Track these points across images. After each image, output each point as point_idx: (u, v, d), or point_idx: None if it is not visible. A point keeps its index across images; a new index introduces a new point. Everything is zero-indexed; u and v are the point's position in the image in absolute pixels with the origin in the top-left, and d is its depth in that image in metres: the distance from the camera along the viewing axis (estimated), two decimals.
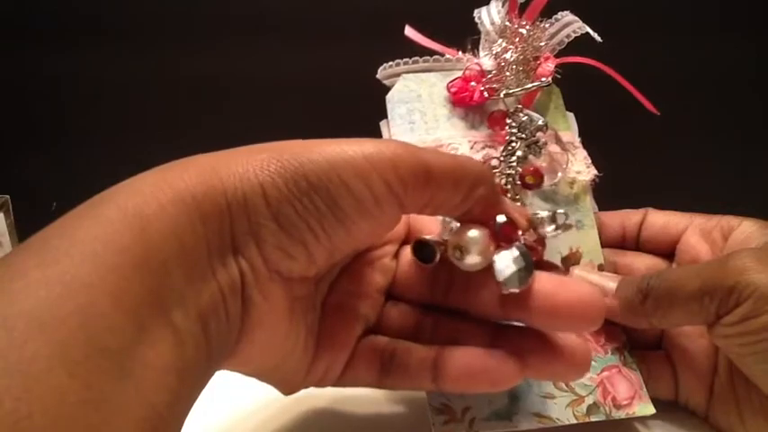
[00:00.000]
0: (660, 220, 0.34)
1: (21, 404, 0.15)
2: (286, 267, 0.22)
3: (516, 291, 0.24)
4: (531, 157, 0.31)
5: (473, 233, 0.25)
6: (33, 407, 0.15)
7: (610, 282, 0.30)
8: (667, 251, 0.34)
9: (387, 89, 0.35)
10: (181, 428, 0.20)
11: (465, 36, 0.35)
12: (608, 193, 0.35)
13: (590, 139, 0.35)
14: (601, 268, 0.33)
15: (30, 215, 0.47)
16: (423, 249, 0.27)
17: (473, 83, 0.33)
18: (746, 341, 0.26)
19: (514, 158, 0.30)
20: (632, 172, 0.48)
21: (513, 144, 0.31)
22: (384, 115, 0.35)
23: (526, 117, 0.32)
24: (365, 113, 0.34)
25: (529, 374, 0.26)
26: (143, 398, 0.17)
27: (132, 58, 0.56)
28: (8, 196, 0.45)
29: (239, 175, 0.21)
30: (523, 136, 0.31)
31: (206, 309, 0.20)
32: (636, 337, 0.32)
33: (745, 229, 0.31)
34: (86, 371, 0.16)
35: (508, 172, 0.30)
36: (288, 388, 0.27)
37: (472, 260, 0.25)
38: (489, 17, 0.35)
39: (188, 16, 0.56)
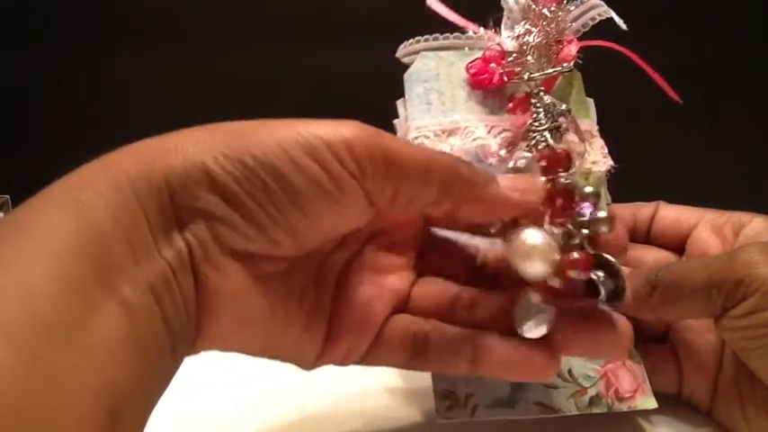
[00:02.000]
0: (671, 215, 0.34)
1: None
2: (240, 246, 0.22)
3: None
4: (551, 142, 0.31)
5: (533, 238, 0.24)
6: None
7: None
8: (678, 245, 0.34)
9: (387, 89, 0.35)
10: (150, 409, 0.20)
11: (486, 15, 0.35)
12: (621, 185, 0.35)
13: (606, 129, 0.35)
14: None
15: None
16: None
17: (493, 64, 0.33)
18: (752, 335, 0.26)
19: (543, 137, 0.29)
20: (646, 165, 0.48)
21: (537, 125, 0.30)
22: (385, 115, 0.35)
23: (550, 101, 0.31)
24: (366, 113, 0.34)
25: (571, 353, 0.26)
26: (98, 369, 0.17)
27: (132, 58, 0.56)
28: (8, 196, 0.45)
29: (180, 153, 0.21)
30: (544, 121, 0.30)
31: (156, 282, 0.20)
32: (642, 329, 0.32)
33: (756, 225, 0.31)
34: (32, 344, 0.16)
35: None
36: (304, 365, 0.26)
37: (534, 269, 0.24)
38: None
39: (188, 16, 0.56)
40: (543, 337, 0.25)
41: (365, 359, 0.26)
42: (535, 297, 0.24)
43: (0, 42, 0.55)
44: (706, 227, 0.33)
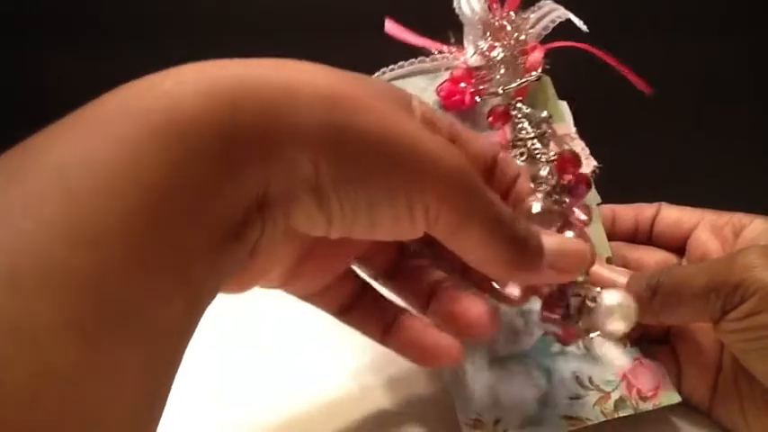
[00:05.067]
0: (673, 216, 0.34)
1: (30, 381, 0.14)
2: (304, 229, 0.21)
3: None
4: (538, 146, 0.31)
5: (612, 299, 0.25)
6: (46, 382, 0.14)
7: (621, 277, 0.30)
8: (678, 246, 0.34)
9: None
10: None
11: (446, 32, 0.35)
12: (610, 184, 0.34)
13: (588, 129, 0.35)
14: (609, 261, 0.33)
15: None
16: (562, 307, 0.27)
17: (462, 84, 0.33)
18: (751, 337, 0.26)
19: (536, 142, 0.30)
20: (637, 161, 0.48)
21: (524, 134, 0.30)
22: None
23: (530, 110, 0.31)
24: None
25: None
26: (153, 363, 0.17)
27: (132, 58, 0.56)
28: None
29: (299, 138, 0.18)
30: (530, 129, 0.31)
31: (227, 265, 0.19)
32: (642, 331, 0.32)
33: (756, 227, 0.31)
34: (98, 337, 0.15)
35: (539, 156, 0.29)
36: (261, 286, 0.25)
37: (614, 327, 0.25)
38: (469, 5, 0.34)
39: (188, 16, 0.56)
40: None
41: (308, 297, 0.27)
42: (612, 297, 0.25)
43: (0, 42, 0.55)
44: (706, 228, 0.33)
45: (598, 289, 0.26)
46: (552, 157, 0.29)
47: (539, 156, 0.29)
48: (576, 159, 0.29)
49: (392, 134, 0.20)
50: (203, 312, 0.19)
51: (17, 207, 0.15)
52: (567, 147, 0.30)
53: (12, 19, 0.56)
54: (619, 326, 0.25)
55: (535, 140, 0.30)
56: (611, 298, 0.25)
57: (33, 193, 0.15)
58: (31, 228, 0.15)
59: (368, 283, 0.28)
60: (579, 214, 0.28)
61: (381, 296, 0.28)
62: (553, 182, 0.28)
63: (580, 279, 0.26)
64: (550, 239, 0.24)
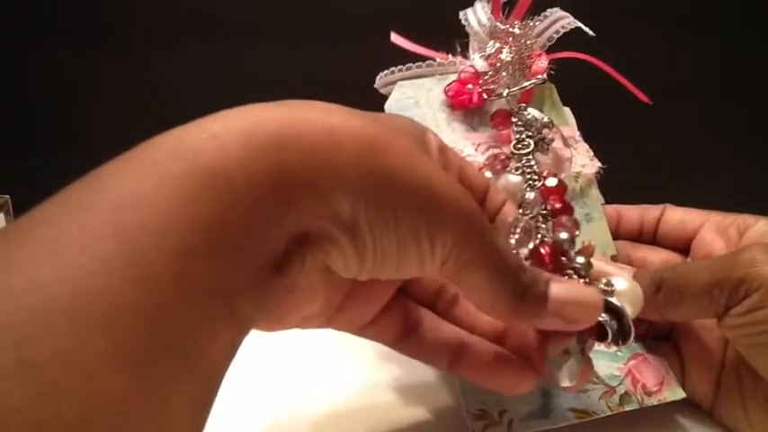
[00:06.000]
0: (678, 217, 0.34)
1: (82, 412, 0.14)
2: (338, 270, 0.21)
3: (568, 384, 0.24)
4: (537, 154, 0.31)
5: (619, 285, 0.25)
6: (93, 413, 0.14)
7: (625, 273, 0.30)
8: (683, 247, 0.34)
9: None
10: None
11: (452, 40, 0.35)
12: (614, 185, 0.35)
13: (593, 131, 0.35)
14: (614, 259, 0.33)
15: None
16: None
17: (470, 85, 0.33)
18: (754, 332, 0.26)
19: (532, 160, 0.30)
20: (640, 163, 0.48)
21: (525, 142, 0.31)
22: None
23: (531, 115, 0.32)
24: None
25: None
26: (201, 395, 0.17)
27: (133, 58, 0.56)
28: (8, 196, 0.45)
29: (340, 181, 0.19)
30: (530, 134, 0.31)
31: (270, 298, 0.19)
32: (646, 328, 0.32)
33: (760, 227, 0.31)
34: (148, 371, 0.15)
35: (529, 176, 0.30)
36: (305, 328, 0.26)
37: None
38: (476, 17, 0.35)
39: (188, 17, 0.56)
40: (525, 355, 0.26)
41: (360, 331, 0.27)
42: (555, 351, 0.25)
43: (0, 42, 0.55)
44: (711, 228, 0.33)
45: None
46: (538, 185, 0.30)
47: (529, 176, 0.30)
48: (559, 189, 0.29)
49: (419, 176, 0.20)
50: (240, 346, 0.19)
51: (76, 242, 0.16)
52: (554, 174, 0.31)
53: (12, 18, 0.56)
54: (627, 310, 0.25)
55: (531, 157, 0.31)
56: (618, 283, 0.25)
57: (91, 229, 0.16)
58: (90, 263, 0.15)
59: (423, 311, 0.27)
60: (566, 221, 0.28)
61: (441, 323, 0.27)
62: (537, 208, 0.28)
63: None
64: (560, 288, 0.23)
